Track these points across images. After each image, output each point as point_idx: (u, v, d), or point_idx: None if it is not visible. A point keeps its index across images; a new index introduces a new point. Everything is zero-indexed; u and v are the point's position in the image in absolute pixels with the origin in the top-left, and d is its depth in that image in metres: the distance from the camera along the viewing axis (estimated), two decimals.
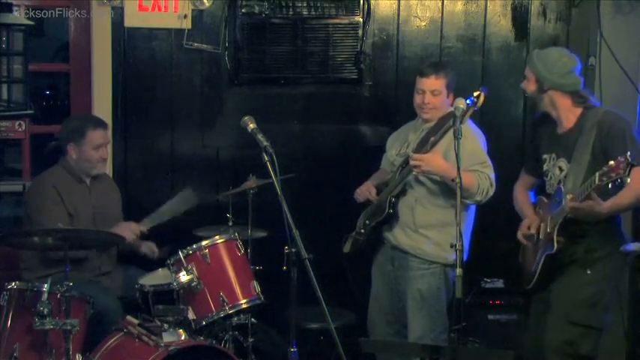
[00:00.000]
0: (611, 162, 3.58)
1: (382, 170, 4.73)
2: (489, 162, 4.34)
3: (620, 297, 4.97)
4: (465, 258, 4.40)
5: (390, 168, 4.60)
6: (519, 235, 4.17)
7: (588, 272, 3.95)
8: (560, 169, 4.03)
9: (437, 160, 4.22)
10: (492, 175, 4.32)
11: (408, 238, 4.43)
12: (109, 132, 4.74)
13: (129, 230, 4.51)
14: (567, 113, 4.03)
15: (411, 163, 4.22)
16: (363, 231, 4.56)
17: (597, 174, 3.62)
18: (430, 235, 4.38)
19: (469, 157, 4.18)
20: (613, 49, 5.06)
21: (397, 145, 4.60)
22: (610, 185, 3.64)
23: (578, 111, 4.01)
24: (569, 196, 3.79)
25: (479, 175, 4.25)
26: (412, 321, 4.45)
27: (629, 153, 3.56)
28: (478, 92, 4.24)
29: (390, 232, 4.50)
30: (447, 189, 4.32)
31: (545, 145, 4.17)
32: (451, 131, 4.21)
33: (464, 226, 4.41)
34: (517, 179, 4.44)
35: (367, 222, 4.55)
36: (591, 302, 3.96)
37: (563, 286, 4.01)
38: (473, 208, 4.46)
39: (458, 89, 4.39)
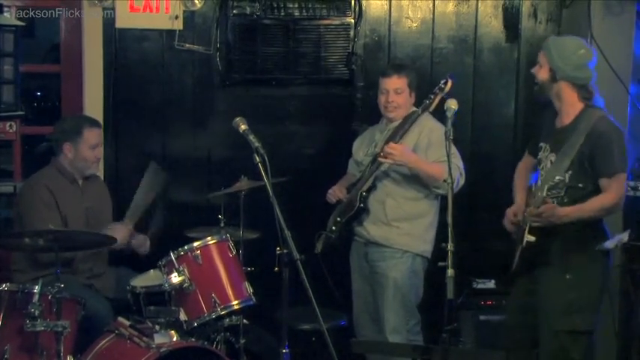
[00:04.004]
0: (557, 177, 3.65)
1: (350, 174, 4.85)
2: (457, 153, 4.45)
3: (610, 298, 5.00)
4: (431, 249, 4.50)
5: (358, 169, 4.73)
6: (505, 222, 4.13)
7: (568, 277, 3.90)
8: (552, 163, 4.01)
9: (408, 152, 4.36)
10: (461, 165, 4.45)
11: (381, 230, 4.55)
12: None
13: (120, 232, 4.50)
14: (569, 108, 3.99)
15: (386, 150, 4.32)
16: (334, 228, 4.65)
17: (546, 187, 3.67)
18: (402, 227, 4.52)
19: (437, 149, 4.32)
20: (603, 49, 5.06)
21: (364, 147, 4.75)
22: (554, 201, 3.69)
23: (580, 107, 3.97)
24: (538, 194, 3.80)
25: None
26: (387, 311, 4.54)
27: (569, 173, 3.67)
28: (445, 79, 4.37)
29: (362, 227, 4.61)
30: (416, 182, 4.47)
31: (544, 133, 4.15)
32: (419, 124, 4.41)
33: (434, 217, 4.58)
34: (508, 180, 4.45)
35: (339, 219, 4.63)
36: (576, 308, 3.91)
37: (545, 293, 3.98)
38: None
39: (449, 90, 4.40)
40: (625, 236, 4.01)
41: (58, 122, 4.69)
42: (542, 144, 4.11)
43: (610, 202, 3.85)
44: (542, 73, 4.02)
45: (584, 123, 3.90)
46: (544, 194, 3.69)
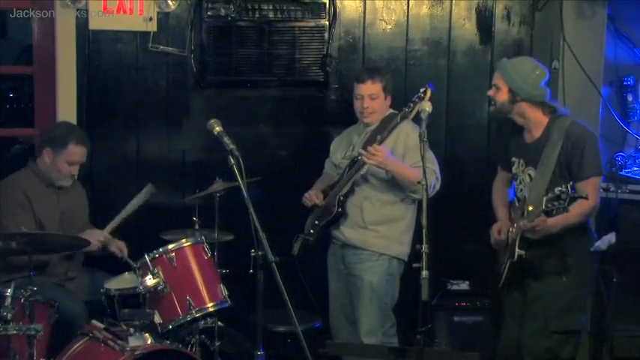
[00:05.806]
0: (557, 189, 3.65)
1: (326, 175, 4.85)
2: (433, 157, 4.46)
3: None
4: (408, 251, 4.51)
5: (336, 171, 4.73)
6: (492, 241, 4.22)
7: (564, 279, 4.00)
8: (530, 177, 4.07)
9: (390, 155, 4.36)
10: (437, 170, 4.45)
11: (358, 234, 4.56)
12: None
13: (95, 237, 4.47)
14: (536, 123, 4.07)
15: (370, 150, 4.31)
16: (312, 231, 4.65)
17: (544, 199, 3.69)
18: (379, 230, 4.53)
19: (414, 154, 4.31)
20: (575, 52, 5.12)
21: (342, 149, 4.75)
22: (554, 212, 3.73)
23: (546, 120, 4.05)
24: (529, 208, 3.82)
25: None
26: (363, 313, 4.54)
27: (570, 184, 3.63)
28: (424, 88, 4.36)
29: (339, 231, 4.62)
30: (393, 186, 4.47)
31: (512, 148, 4.22)
32: (397, 130, 4.41)
33: (410, 220, 4.58)
34: (482, 181, 4.49)
35: (316, 222, 4.64)
36: (569, 308, 4.01)
37: (540, 294, 4.05)
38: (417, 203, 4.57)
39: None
40: (612, 237, 4.13)
41: (52, 125, 4.62)
42: (514, 159, 4.18)
43: (589, 207, 3.92)
44: (500, 95, 4.08)
45: (557, 133, 3.97)
46: (543, 207, 3.70)
